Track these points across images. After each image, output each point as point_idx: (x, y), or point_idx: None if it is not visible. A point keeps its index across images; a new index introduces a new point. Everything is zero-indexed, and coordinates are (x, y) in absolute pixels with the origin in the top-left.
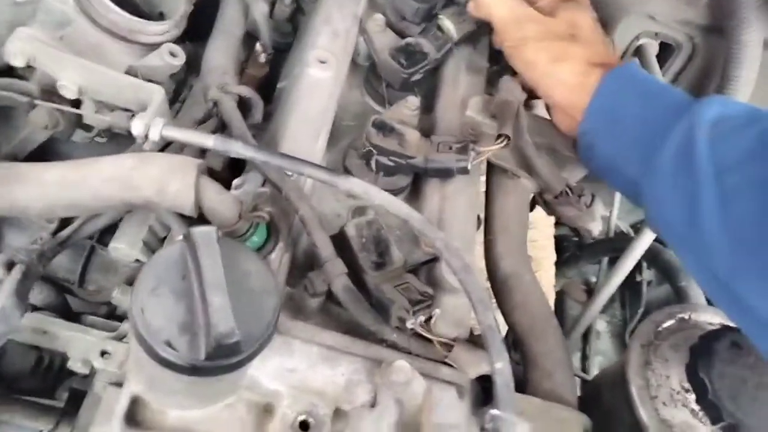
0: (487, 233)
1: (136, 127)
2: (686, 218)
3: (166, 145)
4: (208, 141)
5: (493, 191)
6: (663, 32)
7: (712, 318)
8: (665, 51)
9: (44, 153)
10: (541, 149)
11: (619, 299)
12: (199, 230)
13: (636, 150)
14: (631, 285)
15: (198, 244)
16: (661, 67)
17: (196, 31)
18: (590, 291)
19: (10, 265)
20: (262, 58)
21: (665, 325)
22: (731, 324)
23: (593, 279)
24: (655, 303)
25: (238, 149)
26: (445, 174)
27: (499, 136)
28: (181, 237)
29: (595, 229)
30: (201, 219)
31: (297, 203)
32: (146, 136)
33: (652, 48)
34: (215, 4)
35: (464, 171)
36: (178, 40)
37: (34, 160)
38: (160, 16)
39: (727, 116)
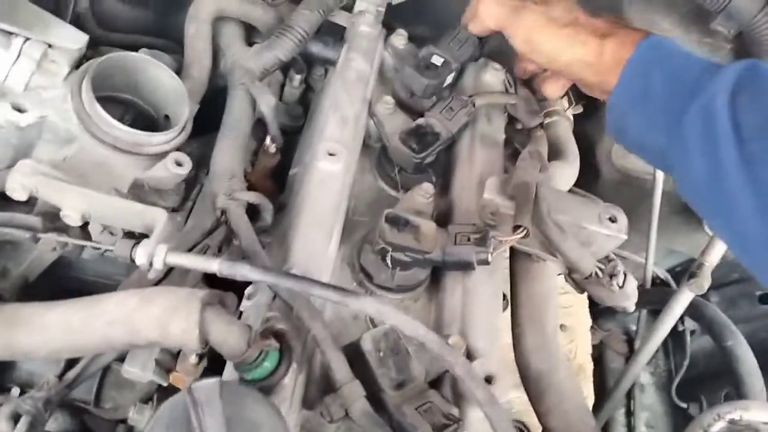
0: (515, 325)
1: (140, 258)
2: (710, 182)
3: None
4: (213, 266)
5: (518, 277)
6: None
7: (764, 416)
8: None
9: (56, 266)
10: (566, 228)
11: (662, 349)
12: (201, 386)
13: (663, 119)
14: (673, 333)
15: (200, 401)
16: None
17: (205, 125)
18: (631, 341)
19: (16, 418)
20: (273, 148)
21: (714, 429)
22: None
23: (633, 327)
24: (700, 352)
25: (245, 272)
26: (465, 267)
27: (517, 227)
28: (185, 392)
29: (630, 306)
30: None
31: (309, 322)
32: (150, 264)
33: None
34: (223, 96)
35: (485, 262)
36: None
37: (47, 273)
38: (166, 119)
39: (748, 83)
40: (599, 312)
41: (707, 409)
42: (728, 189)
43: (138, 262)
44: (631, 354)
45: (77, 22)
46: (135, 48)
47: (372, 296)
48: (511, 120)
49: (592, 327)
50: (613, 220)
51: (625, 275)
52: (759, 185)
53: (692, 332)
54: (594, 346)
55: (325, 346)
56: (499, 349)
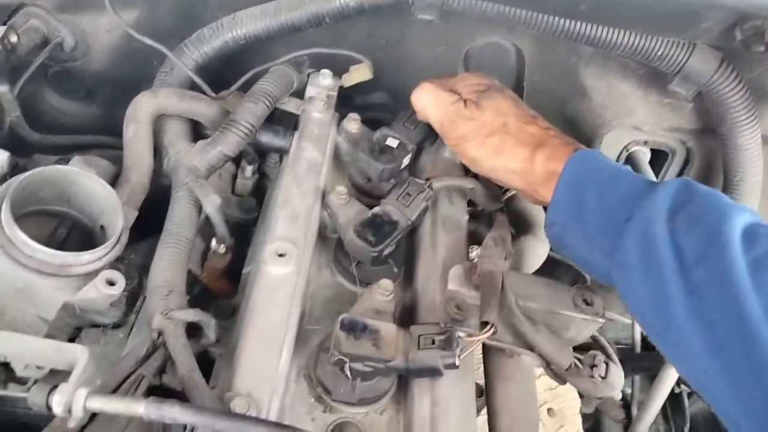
0: (493, 430)
1: (57, 406)
2: (656, 313)
3: None
4: (139, 408)
5: (492, 376)
6: (652, 140)
7: None
8: (660, 155)
9: None
10: (537, 318)
11: (661, 413)
12: None
13: (601, 242)
14: (671, 396)
15: None
16: (657, 173)
17: (152, 227)
18: (627, 405)
19: None
20: (222, 249)
21: None
22: None
23: (628, 390)
24: (700, 415)
25: (174, 414)
26: (431, 373)
27: (485, 323)
28: None
29: (617, 395)
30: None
31: None
32: (69, 412)
33: (644, 155)
34: (168, 196)
35: (453, 367)
36: (130, 241)
37: None
38: (102, 229)
39: (683, 204)
40: None
41: None
42: (675, 322)
43: (55, 410)
44: (629, 420)
45: (11, 130)
46: (78, 148)
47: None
48: (471, 203)
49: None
50: (588, 302)
51: (607, 364)
52: (707, 319)
53: (689, 394)
54: (590, 415)
55: None
56: None
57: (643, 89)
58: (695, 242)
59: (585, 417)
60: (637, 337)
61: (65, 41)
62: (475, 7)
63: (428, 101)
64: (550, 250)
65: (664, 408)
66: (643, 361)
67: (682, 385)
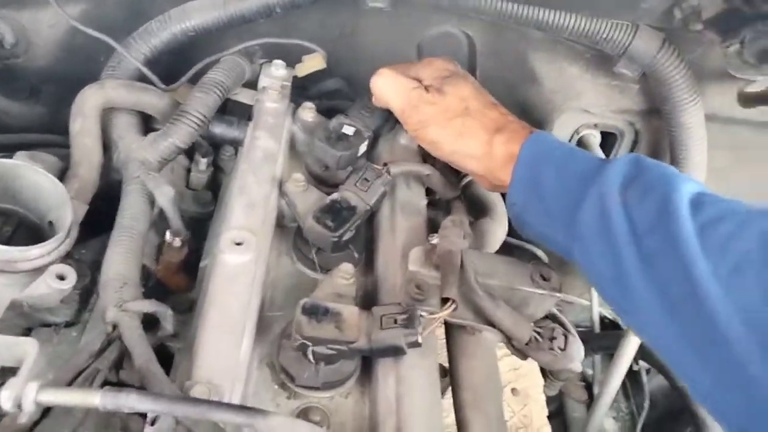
0: (457, 408)
1: (5, 402)
2: (615, 282)
3: None
4: (95, 399)
5: (455, 353)
6: (602, 122)
7: None
8: (609, 138)
9: None
10: (497, 294)
11: (622, 392)
12: None
13: (559, 219)
14: (630, 374)
15: None
16: (607, 155)
17: (103, 224)
18: (589, 386)
19: None
20: (177, 242)
21: None
22: None
23: (590, 371)
24: (659, 391)
25: (132, 403)
26: (395, 352)
27: (445, 300)
28: None
29: (577, 367)
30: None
31: None
32: (19, 407)
33: (595, 138)
34: (118, 191)
35: (416, 345)
36: (81, 239)
37: None
38: (50, 225)
39: (634, 178)
40: None
41: None
42: (632, 290)
43: (4, 406)
44: (591, 400)
45: None
46: (24, 147)
47: (281, 415)
48: (428, 192)
49: (547, 378)
50: (545, 278)
51: (566, 336)
52: (660, 284)
53: (648, 371)
54: (553, 398)
55: None
56: None
57: (591, 72)
58: (646, 212)
59: (549, 399)
60: (596, 318)
61: (5, 38)
62: None
63: (388, 87)
64: (507, 235)
65: (624, 386)
66: (602, 341)
67: (640, 362)
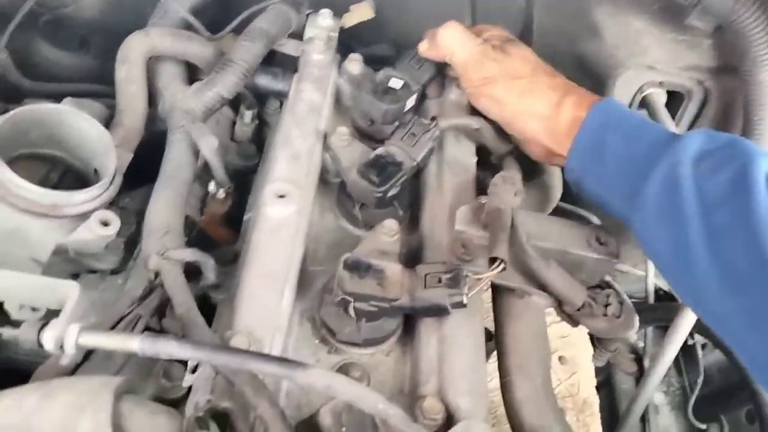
0: (503, 374)
1: (48, 342)
2: (676, 255)
3: None
4: (134, 344)
5: (502, 316)
6: (668, 80)
7: None
8: (676, 98)
9: None
10: (549, 257)
11: (674, 366)
12: None
13: (622, 187)
14: (684, 348)
15: None
16: (674, 116)
17: (147, 175)
18: (639, 359)
19: None
20: (221, 194)
21: None
22: None
23: (641, 344)
24: (714, 367)
25: (171, 350)
26: (438, 312)
27: (493, 259)
28: None
29: (632, 336)
30: None
31: (253, 400)
32: (61, 348)
33: (660, 97)
34: (162, 142)
35: (460, 305)
36: (126, 188)
37: None
38: (96, 173)
39: (709, 151)
40: None
41: None
42: (694, 264)
43: (46, 346)
44: (641, 373)
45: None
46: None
47: (320, 369)
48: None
49: (596, 348)
50: (601, 242)
51: (621, 303)
52: (727, 259)
53: (703, 346)
54: (601, 369)
55: (273, 426)
56: (484, 404)
57: (658, 26)
58: (719, 185)
59: (597, 370)
60: (651, 289)
61: None
62: None
63: (455, 39)
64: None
65: (677, 361)
66: (656, 312)
67: (696, 336)
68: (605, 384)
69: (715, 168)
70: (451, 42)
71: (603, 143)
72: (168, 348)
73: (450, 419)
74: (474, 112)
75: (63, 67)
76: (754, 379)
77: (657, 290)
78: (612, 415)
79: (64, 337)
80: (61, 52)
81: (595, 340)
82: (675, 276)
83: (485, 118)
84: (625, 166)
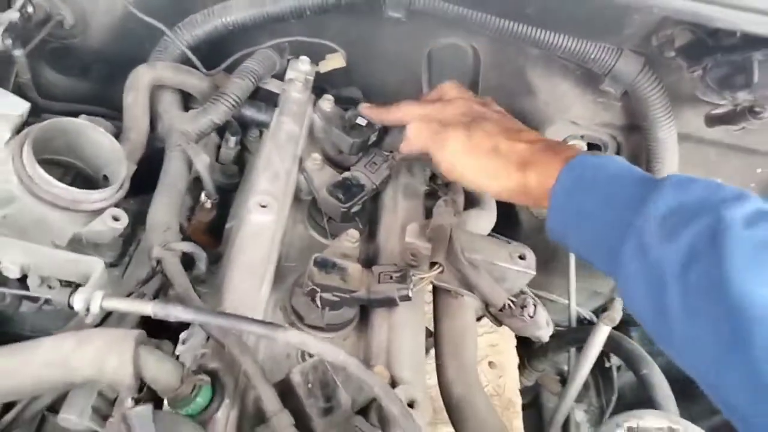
0: (438, 357)
1: (77, 303)
2: (657, 317)
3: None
4: (147, 308)
5: (440, 313)
6: (588, 134)
7: (658, 422)
8: (594, 149)
9: None
10: (479, 266)
11: (594, 387)
12: (135, 412)
13: (601, 248)
14: (602, 371)
15: (134, 427)
16: None
17: (145, 185)
18: (565, 381)
19: None
20: (208, 204)
21: None
22: (676, 427)
23: (565, 367)
24: (627, 387)
25: (178, 313)
26: (388, 303)
27: (433, 263)
28: (118, 421)
29: (544, 335)
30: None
31: (240, 358)
32: (87, 310)
33: (581, 147)
34: (159, 158)
35: (406, 298)
36: (126, 196)
37: None
38: (105, 179)
39: (677, 207)
40: (532, 354)
41: (607, 419)
42: (677, 326)
43: (76, 307)
44: None
45: (19, 92)
46: (75, 116)
47: (295, 329)
48: (434, 175)
49: (525, 368)
50: (522, 257)
51: (535, 306)
52: (706, 320)
53: (618, 368)
54: (530, 388)
55: (256, 380)
56: (422, 378)
57: (580, 88)
58: (689, 243)
59: (525, 390)
60: (573, 316)
61: (65, 19)
62: (437, 8)
63: (419, 134)
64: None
65: (597, 382)
66: (577, 333)
67: (612, 360)
68: (534, 403)
69: (685, 224)
70: (416, 137)
71: (578, 205)
72: (175, 311)
73: (393, 386)
74: None
75: (61, 89)
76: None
77: (581, 319)
78: (539, 430)
79: (91, 300)
80: (63, 76)
81: (526, 361)
82: (658, 334)
83: None
84: (601, 229)
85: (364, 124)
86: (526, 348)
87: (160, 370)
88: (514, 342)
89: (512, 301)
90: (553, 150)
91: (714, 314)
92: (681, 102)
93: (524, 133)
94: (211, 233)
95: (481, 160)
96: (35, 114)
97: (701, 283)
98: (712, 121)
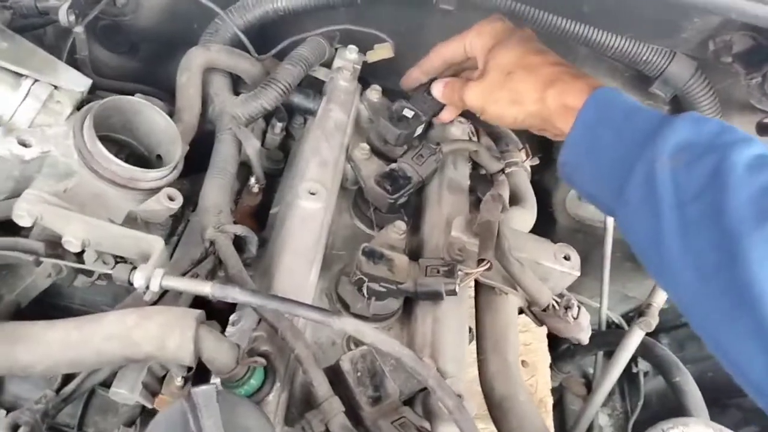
0: (480, 353)
1: (138, 281)
2: (652, 247)
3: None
4: (206, 288)
5: (482, 308)
6: None
7: (704, 430)
8: None
9: (46, 293)
10: (525, 264)
11: (619, 391)
12: (200, 390)
13: (611, 182)
14: (629, 376)
15: (199, 405)
16: None
17: (193, 166)
18: (589, 384)
19: (15, 428)
20: (256, 188)
21: None
22: None
23: (590, 370)
24: (654, 393)
25: (236, 295)
26: (434, 297)
27: (481, 260)
28: (182, 399)
29: (585, 338)
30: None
31: (292, 342)
32: (147, 287)
33: None
34: (210, 140)
35: (453, 293)
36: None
37: (37, 300)
38: (158, 158)
39: (690, 143)
40: (558, 355)
41: (653, 425)
42: (668, 257)
43: (136, 284)
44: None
45: (75, 68)
46: (127, 94)
47: (352, 318)
48: (476, 167)
49: (551, 369)
50: (567, 258)
51: (579, 308)
52: (697, 253)
53: (645, 374)
54: (554, 390)
55: (308, 365)
56: (465, 374)
57: (628, 90)
58: (695, 178)
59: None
60: (603, 319)
61: None
62: (489, 0)
63: (443, 95)
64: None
65: (621, 387)
66: (606, 337)
67: (640, 365)
68: (557, 405)
69: (692, 161)
70: (442, 98)
71: (596, 138)
72: (233, 293)
73: None
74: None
75: (111, 67)
76: (685, 398)
77: (609, 323)
78: (561, 431)
79: (151, 278)
80: (111, 54)
81: (552, 362)
82: (652, 266)
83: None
84: (614, 161)
85: (410, 116)
86: (553, 349)
87: (218, 350)
88: (546, 342)
89: (556, 301)
90: (574, 73)
91: (709, 248)
92: (732, 109)
93: (547, 54)
94: (255, 218)
95: (498, 93)
96: (90, 91)
97: (700, 218)
98: (765, 129)
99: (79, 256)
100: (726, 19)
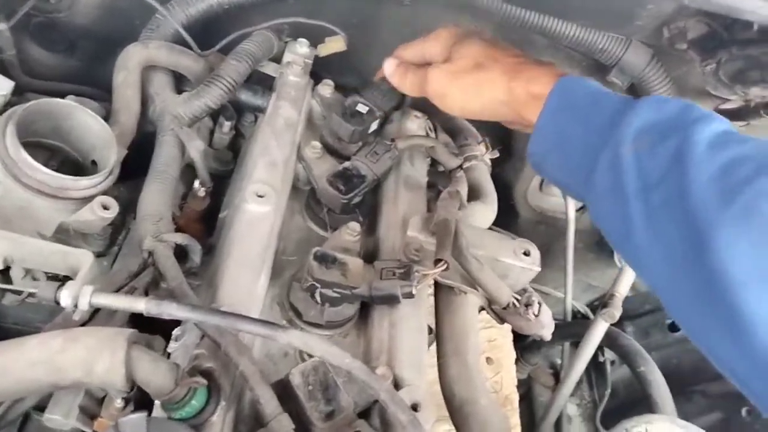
0: (440, 355)
1: (65, 299)
2: (620, 232)
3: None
4: (140, 305)
5: (441, 309)
6: None
7: (668, 428)
8: None
9: None
10: (484, 262)
11: (587, 381)
12: (128, 420)
13: (579, 170)
14: (596, 365)
15: None
16: None
17: (133, 171)
18: (557, 374)
19: None
20: (201, 192)
21: None
22: None
23: (558, 361)
24: (620, 383)
25: (172, 311)
26: (390, 300)
27: (438, 260)
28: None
29: (547, 334)
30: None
31: (236, 358)
32: (75, 306)
33: None
34: (152, 142)
35: (410, 296)
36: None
37: None
38: (93, 164)
39: (652, 124)
40: (525, 347)
41: (618, 424)
42: (637, 242)
43: (63, 303)
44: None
45: (2, 69)
46: (61, 95)
47: (298, 329)
48: (434, 163)
49: (518, 362)
50: (526, 253)
51: (540, 304)
52: (665, 240)
53: (612, 362)
54: (522, 381)
55: (253, 382)
56: (425, 379)
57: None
58: (658, 162)
59: (518, 383)
60: (569, 310)
61: None
62: None
63: (400, 83)
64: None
65: (589, 377)
66: (572, 328)
67: (606, 354)
68: (526, 396)
69: (655, 143)
70: (398, 85)
71: (562, 126)
72: (169, 309)
73: (396, 387)
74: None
75: (48, 66)
76: (650, 387)
77: (575, 312)
78: (530, 423)
79: (79, 296)
80: (48, 53)
81: (519, 354)
82: (624, 254)
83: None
84: (581, 148)
85: (364, 112)
86: (520, 341)
87: (153, 372)
88: (511, 337)
89: (517, 299)
90: (542, 66)
91: (676, 234)
92: (688, 95)
93: (511, 51)
94: (203, 222)
95: (463, 79)
96: (18, 93)
97: (665, 203)
98: (721, 115)
99: (4, 274)
100: (680, 6)
